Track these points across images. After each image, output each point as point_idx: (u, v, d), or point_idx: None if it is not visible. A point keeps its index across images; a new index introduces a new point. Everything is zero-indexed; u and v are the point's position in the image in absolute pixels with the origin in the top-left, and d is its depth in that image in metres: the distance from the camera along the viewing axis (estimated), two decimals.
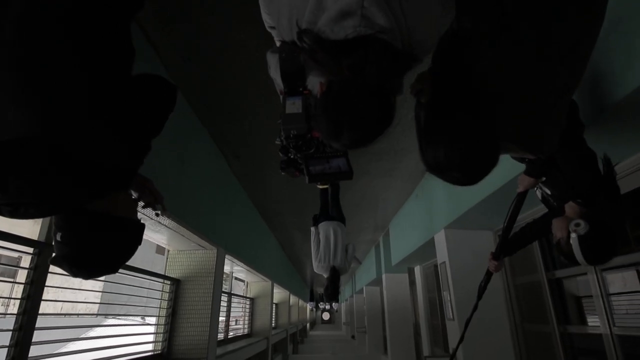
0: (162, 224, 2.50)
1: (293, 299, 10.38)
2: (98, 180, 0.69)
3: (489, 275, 1.69)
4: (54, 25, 0.60)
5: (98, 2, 0.66)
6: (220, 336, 4.37)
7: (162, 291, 2.99)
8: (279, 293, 8.61)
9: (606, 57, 1.29)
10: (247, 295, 6.10)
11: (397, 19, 0.65)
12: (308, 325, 20.08)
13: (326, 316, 27.69)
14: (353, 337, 13.64)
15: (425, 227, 4.04)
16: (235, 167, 3.74)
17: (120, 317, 3.42)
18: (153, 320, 2.96)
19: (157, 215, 0.99)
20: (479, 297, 1.72)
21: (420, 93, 0.97)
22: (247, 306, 5.93)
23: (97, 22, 0.66)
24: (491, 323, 3.08)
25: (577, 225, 1.06)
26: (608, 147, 1.20)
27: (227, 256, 3.75)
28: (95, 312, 8.33)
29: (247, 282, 6.26)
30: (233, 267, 4.87)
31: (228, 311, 4.65)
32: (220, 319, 4.46)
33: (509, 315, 3.18)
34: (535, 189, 1.29)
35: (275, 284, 6.66)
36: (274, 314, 7.90)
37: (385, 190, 4.52)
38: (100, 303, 7.41)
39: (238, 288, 6.60)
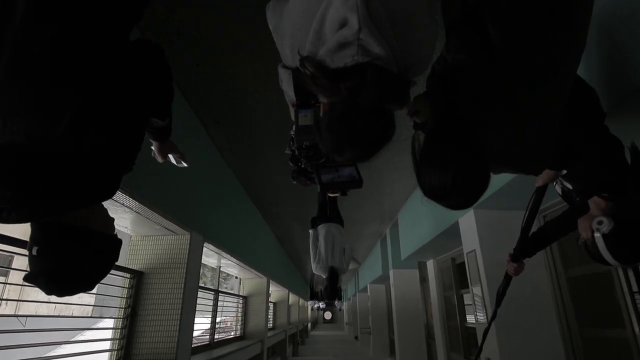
0: (122, 204, 1.93)
1: (293, 297, 9.91)
2: (87, 190, 0.71)
3: (508, 279, 1.59)
4: (53, 37, 0.63)
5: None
6: (206, 340, 3.87)
7: (122, 287, 2.41)
8: (277, 291, 8.17)
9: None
10: (240, 293, 5.51)
11: (391, 46, 0.70)
12: (309, 325, 19.69)
13: (328, 315, 27.23)
14: (356, 337, 13.25)
15: (445, 211, 3.43)
16: (216, 138, 3.11)
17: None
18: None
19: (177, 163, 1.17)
20: (498, 304, 1.62)
21: (417, 114, 1.03)
22: (240, 305, 5.34)
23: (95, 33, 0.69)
24: (534, 329, 2.51)
25: (600, 223, 1.00)
26: None
27: (213, 248, 3.21)
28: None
29: (240, 279, 5.69)
30: (220, 261, 4.29)
31: (214, 311, 4.09)
32: (208, 320, 3.97)
33: (559, 318, 2.56)
34: (555, 183, 1.21)
35: (271, 281, 6.09)
36: (271, 313, 7.39)
37: (394, 172, 3.90)
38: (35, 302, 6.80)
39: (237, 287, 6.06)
